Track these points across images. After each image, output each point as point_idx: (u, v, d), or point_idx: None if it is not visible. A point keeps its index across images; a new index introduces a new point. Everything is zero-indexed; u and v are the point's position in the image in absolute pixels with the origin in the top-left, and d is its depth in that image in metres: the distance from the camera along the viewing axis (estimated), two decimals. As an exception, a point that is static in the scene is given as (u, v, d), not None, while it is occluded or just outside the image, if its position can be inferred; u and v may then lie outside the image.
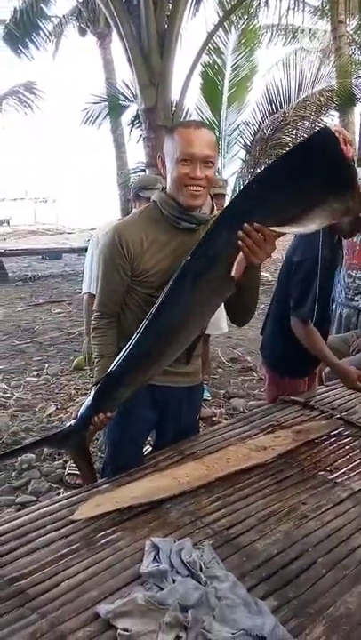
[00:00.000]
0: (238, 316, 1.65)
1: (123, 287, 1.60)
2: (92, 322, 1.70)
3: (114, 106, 7.73)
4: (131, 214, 1.66)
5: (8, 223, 18.55)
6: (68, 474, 2.71)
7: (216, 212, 1.56)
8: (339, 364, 2.14)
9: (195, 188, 1.44)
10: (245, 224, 1.24)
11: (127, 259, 1.54)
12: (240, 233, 1.26)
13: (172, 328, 1.48)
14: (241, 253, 1.28)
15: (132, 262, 1.54)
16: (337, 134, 1.12)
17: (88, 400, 1.60)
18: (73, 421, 1.67)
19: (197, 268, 1.38)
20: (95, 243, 2.76)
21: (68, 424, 1.69)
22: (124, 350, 1.53)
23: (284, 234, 1.29)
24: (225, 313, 1.73)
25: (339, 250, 2.15)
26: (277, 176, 1.26)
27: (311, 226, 1.15)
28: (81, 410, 1.63)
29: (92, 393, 1.60)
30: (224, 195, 3.70)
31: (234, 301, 1.51)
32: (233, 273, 1.31)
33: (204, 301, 1.46)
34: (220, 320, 3.68)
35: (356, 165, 1.65)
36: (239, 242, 1.27)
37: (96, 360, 1.69)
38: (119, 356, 1.54)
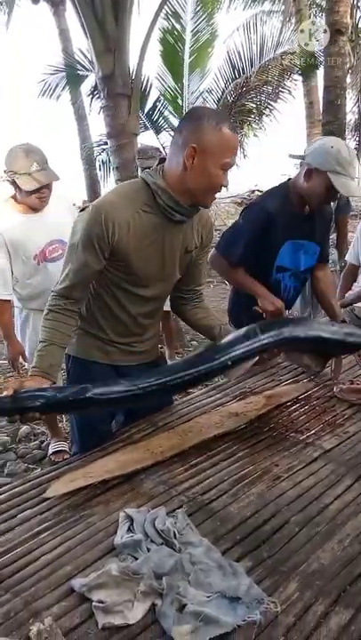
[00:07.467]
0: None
1: (97, 271, 1.49)
2: (52, 302, 1.50)
3: (72, 76, 7.44)
4: (115, 192, 1.51)
5: None
6: (54, 452, 2.69)
7: None
8: (265, 291, 2.00)
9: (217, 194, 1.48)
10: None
11: (110, 241, 1.43)
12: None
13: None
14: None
15: (114, 245, 1.44)
16: None
17: (35, 392, 1.32)
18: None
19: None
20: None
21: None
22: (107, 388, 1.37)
23: None
24: None
25: (305, 222, 2.04)
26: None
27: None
28: (25, 395, 1.31)
29: (52, 392, 1.34)
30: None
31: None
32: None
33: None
34: None
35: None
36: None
37: (43, 344, 1.45)
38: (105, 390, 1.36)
